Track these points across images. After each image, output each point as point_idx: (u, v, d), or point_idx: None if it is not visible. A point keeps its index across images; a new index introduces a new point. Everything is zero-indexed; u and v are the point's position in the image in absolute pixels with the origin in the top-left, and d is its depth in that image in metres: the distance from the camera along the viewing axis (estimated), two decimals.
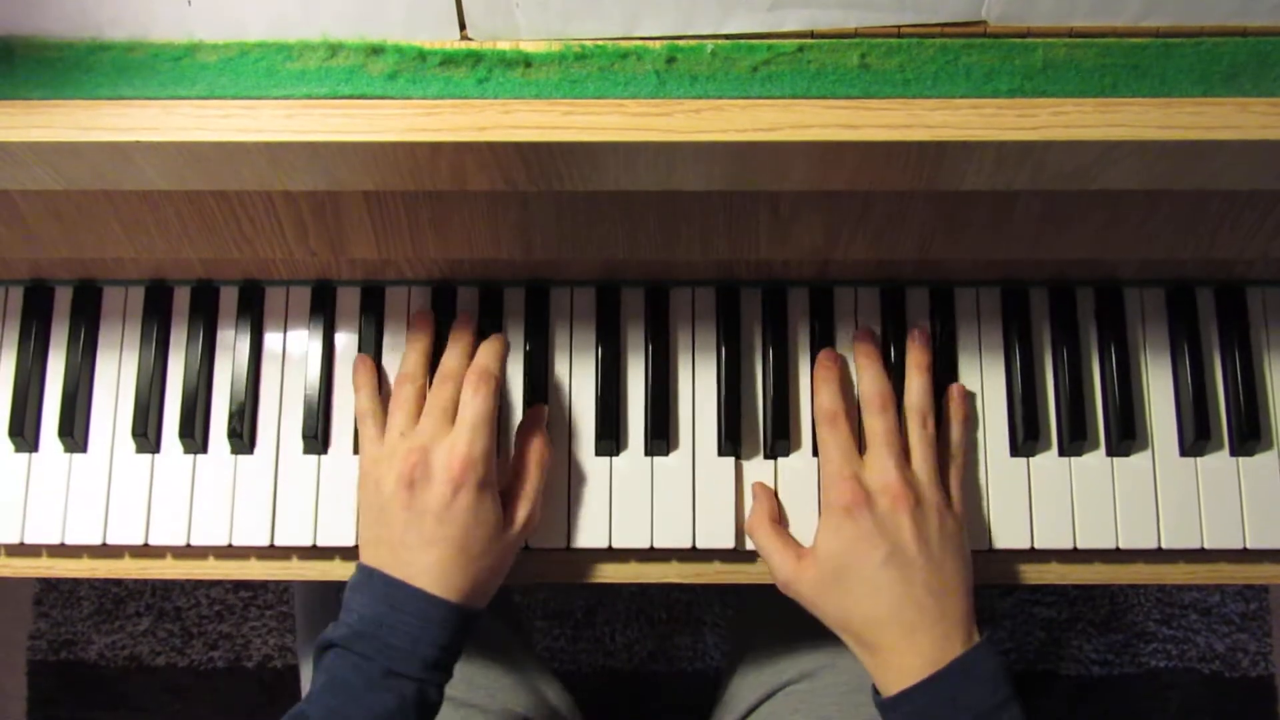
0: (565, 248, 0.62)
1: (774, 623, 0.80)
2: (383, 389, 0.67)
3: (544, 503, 0.66)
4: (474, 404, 0.61)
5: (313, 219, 0.59)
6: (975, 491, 0.66)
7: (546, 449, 0.65)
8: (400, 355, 0.68)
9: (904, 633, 0.58)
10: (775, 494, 0.66)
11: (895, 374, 0.67)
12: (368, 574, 0.60)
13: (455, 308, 0.69)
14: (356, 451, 0.66)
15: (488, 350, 0.64)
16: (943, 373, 0.67)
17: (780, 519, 0.65)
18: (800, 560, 0.62)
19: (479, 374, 0.62)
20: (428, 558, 0.59)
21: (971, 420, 0.67)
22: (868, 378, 0.65)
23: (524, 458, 0.64)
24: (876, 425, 0.63)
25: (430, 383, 0.64)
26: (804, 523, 0.66)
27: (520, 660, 0.81)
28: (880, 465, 0.61)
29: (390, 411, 0.64)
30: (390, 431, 0.63)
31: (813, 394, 0.66)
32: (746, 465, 0.67)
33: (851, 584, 0.59)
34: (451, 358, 0.64)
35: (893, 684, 0.58)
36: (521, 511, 0.63)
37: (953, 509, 0.62)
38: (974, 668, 0.57)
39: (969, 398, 0.67)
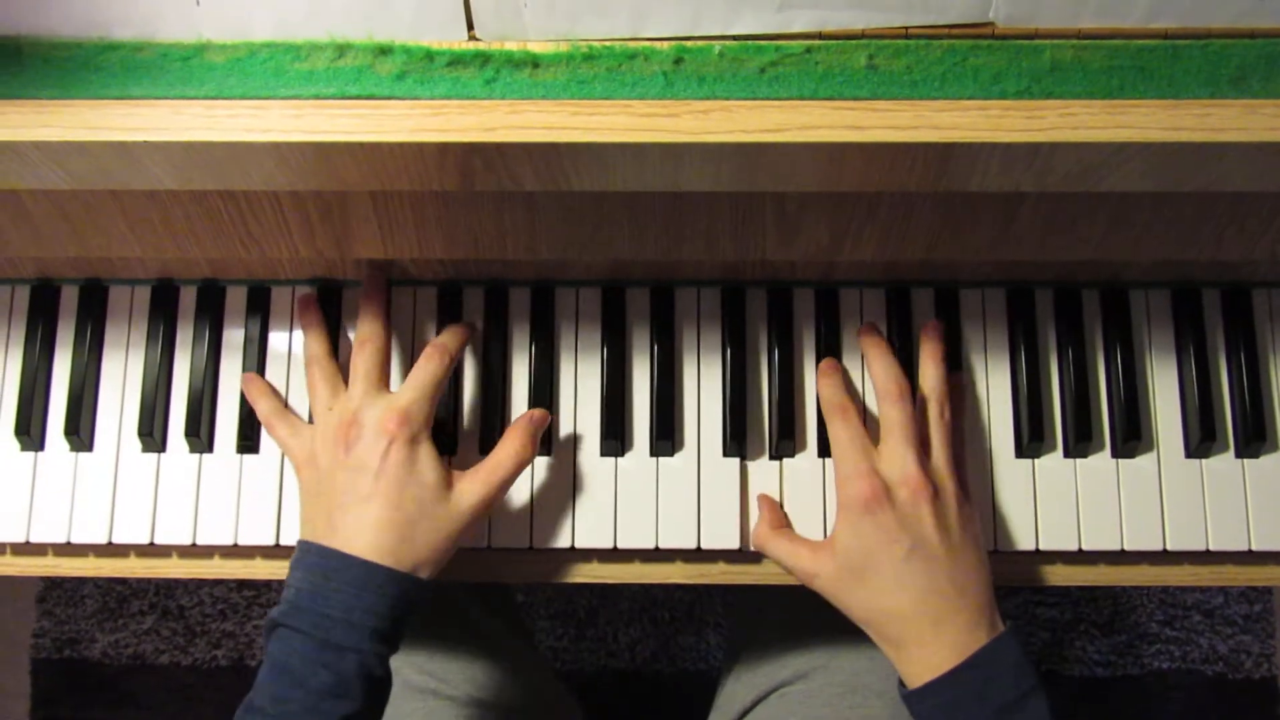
0: (571, 248, 0.62)
1: (769, 623, 0.80)
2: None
3: (548, 503, 0.66)
4: (423, 369, 0.62)
5: (319, 219, 0.60)
6: (980, 493, 0.66)
7: (527, 447, 0.63)
8: (403, 356, 0.68)
9: (929, 624, 0.58)
10: (780, 503, 0.66)
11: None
12: (304, 549, 0.59)
13: (461, 308, 0.69)
14: (292, 461, 0.66)
15: (450, 331, 0.65)
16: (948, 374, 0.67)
17: (784, 524, 0.65)
18: (817, 554, 0.61)
19: (437, 346, 0.63)
20: (364, 519, 0.58)
21: (972, 412, 0.67)
22: (881, 366, 0.63)
23: (501, 444, 0.63)
24: (894, 414, 0.62)
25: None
26: (811, 523, 0.66)
27: (522, 659, 0.81)
28: (899, 457, 0.60)
29: (309, 393, 0.64)
30: (318, 410, 0.63)
31: (817, 392, 0.66)
32: (752, 466, 0.67)
33: (875, 579, 0.59)
34: (365, 323, 0.64)
35: (918, 676, 0.58)
36: (471, 487, 0.61)
37: (968, 499, 0.62)
38: (999, 658, 0.57)
39: (965, 391, 0.67)
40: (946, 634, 0.58)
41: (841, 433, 0.62)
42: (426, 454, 0.60)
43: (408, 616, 0.59)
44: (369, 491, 0.59)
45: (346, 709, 0.56)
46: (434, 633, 0.78)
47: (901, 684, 0.60)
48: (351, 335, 0.69)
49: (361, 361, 0.63)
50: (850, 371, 0.68)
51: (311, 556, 0.59)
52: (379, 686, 0.58)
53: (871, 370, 0.64)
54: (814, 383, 0.68)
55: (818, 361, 0.67)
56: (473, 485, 0.61)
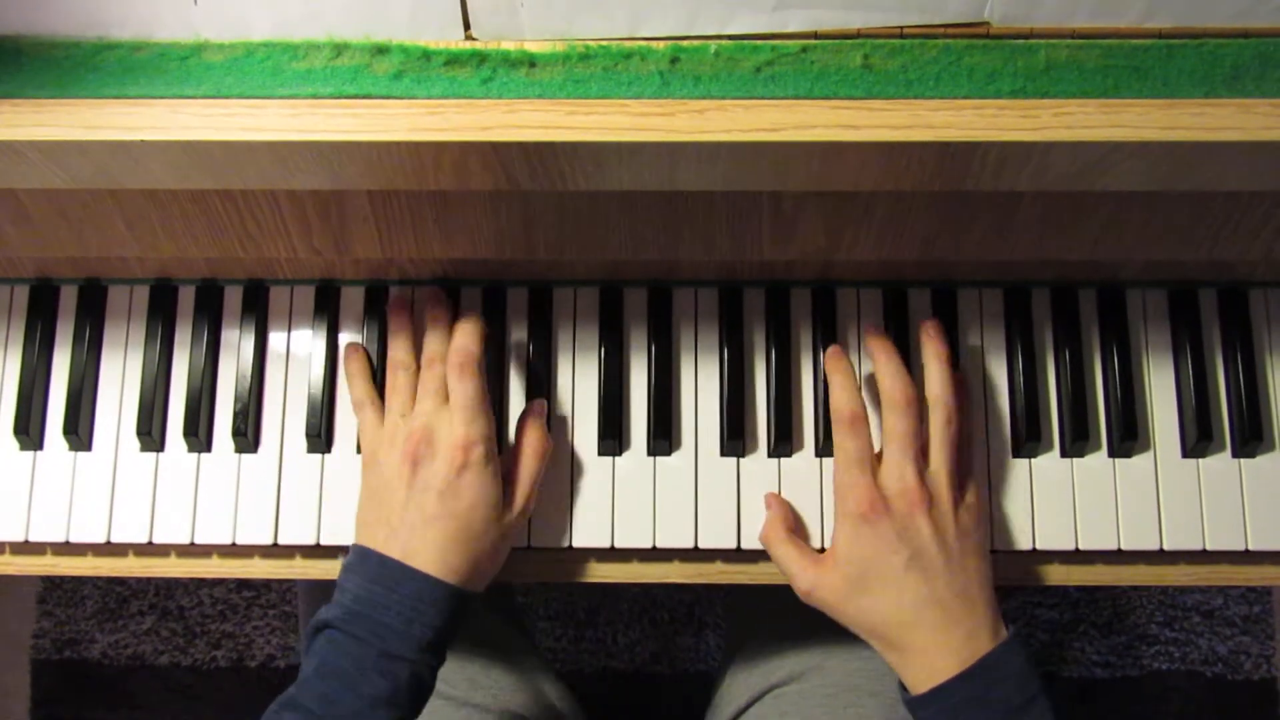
0: (568, 247, 0.62)
1: (765, 624, 0.80)
2: (377, 381, 0.67)
3: (546, 502, 0.66)
4: (461, 387, 0.62)
5: (317, 218, 0.60)
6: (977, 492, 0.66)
7: (544, 439, 0.65)
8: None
9: (931, 632, 0.58)
10: (790, 506, 0.66)
11: None
12: (363, 554, 0.60)
13: (459, 307, 0.69)
14: (360, 450, 0.67)
15: (464, 331, 0.64)
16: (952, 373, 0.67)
17: (797, 528, 0.65)
18: (819, 567, 0.61)
19: (460, 355, 0.63)
20: (428, 535, 0.59)
21: (969, 411, 0.66)
22: (889, 373, 0.62)
23: (521, 446, 0.65)
24: (899, 426, 0.61)
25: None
26: (809, 522, 0.66)
27: (523, 660, 0.81)
28: (898, 467, 0.60)
29: (388, 396, 0.65)
30: (390, 415, 0.64)
31: (827, 390, 0.65)
32: (749, 465, 0.67)
33: (874, 590, 0.59)
34: (432, 341, 0.65)
35: (922, 682, 0.58)
36: (519, 496, 0.63)
37: (969, 504, 0.62)
38: (1003, 664, 0.57)
39: (970, 388, 0.67)
40: (949, 641, 0.58)
41: (849, 443, 0.61)
42: (492, 473, 0.61)
43: (459, 628, 0.61)
44: (436, 512, 0.60)
45: (394, 715, 0.57)
46: None
47: (904, 688, 0.60)
48: (344, 336, 0.69)
49: (431, 379, 0.63)
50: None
51: (371, 565, 0.59)
52: (424, 695, 0.59)
53: (879, 375, 0.63)
54: (811, 382, 0.68)
55: (815, 361, 0.67)
56: (520, 494, 0.63)
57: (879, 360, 0.63)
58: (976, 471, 0.66)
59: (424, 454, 0.61)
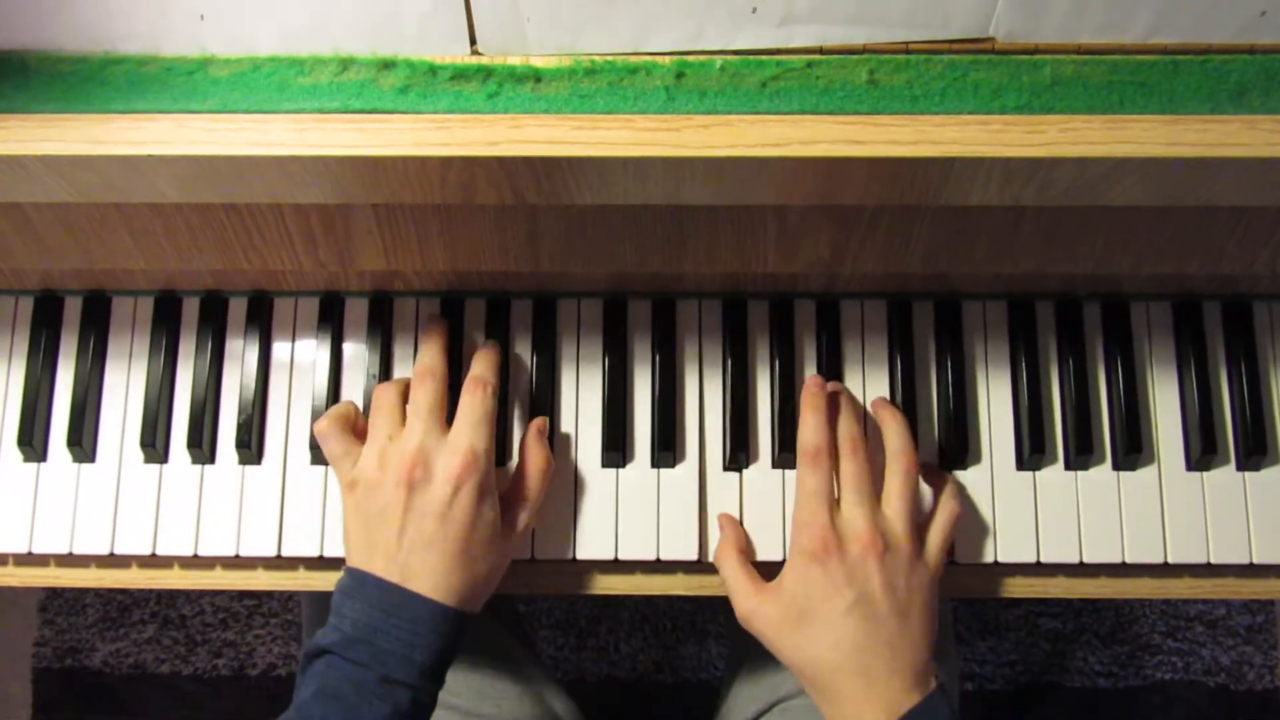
0: (573, 260, 0.62)
1: None
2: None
3: (550, 514, 0.66)
4: (473, 405, 0.62)
5: (322, 231, 0.60)
6: (981, 505, 0.66)
7: (547, 458, 0.65)
8: (408, 367, 0.68)
9: (862, 683, 0.58)
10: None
11: (900, 385, 0.67)
12: (359, 579, 0.59)
13: (463, 318, 0.69)
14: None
15: (482, 359, 0.65)
16: (950, 385, 0.67)
17: (748, 551, 0.65)
18: (761, 595, 0.61)
19: (476, 380, 0.63)
20: (427, 560, 0.59)
21: (973, 424, 0.66)
22: (844, 419, 0.64)
23: (525, 466, 0.64)
24: (849, 469, 0.62)
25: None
26: None
27: (526, 670, 0.81)
28: (852, 511, 0.60)
29: (372, 417, 0.63)
30: (376, 436, 0.62)
31: (798, 421, 0.65)
32: (753, 477, 0.67)
33: (813, 628, 0.59)
34: (427, 355, 0.64)
35: None
36: (521, 517, 0.63)
37: (926, 560, 0.61)
38: (929, 718, 0.57)
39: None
40: (879, 694, 0.57)
41: (809, 478, 0.61)
42: (491, 497, 0.61)
43: (457, 650, 0.60)
44: (434, 536, 0.59)
45: None
46: None
47: None
48: (348, 347, 0.69)
49: (423, 396, 0.62)
50: (850, 384, 0.68)
51: (370, 589, 0.59)
52: (426, 715, 0.59)
53: (833, 422, 0.64)
54: None
55: (819, 372, 0.68)
56: (523, 515, 0.63)
57: (833, 409, 0.64)
58: (974, 484, 0.66)
59: (420, 478, 0.60)
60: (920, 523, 0.62)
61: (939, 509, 0.64)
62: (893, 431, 0.64)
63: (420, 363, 0.64)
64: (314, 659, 0.58)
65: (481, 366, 0.64)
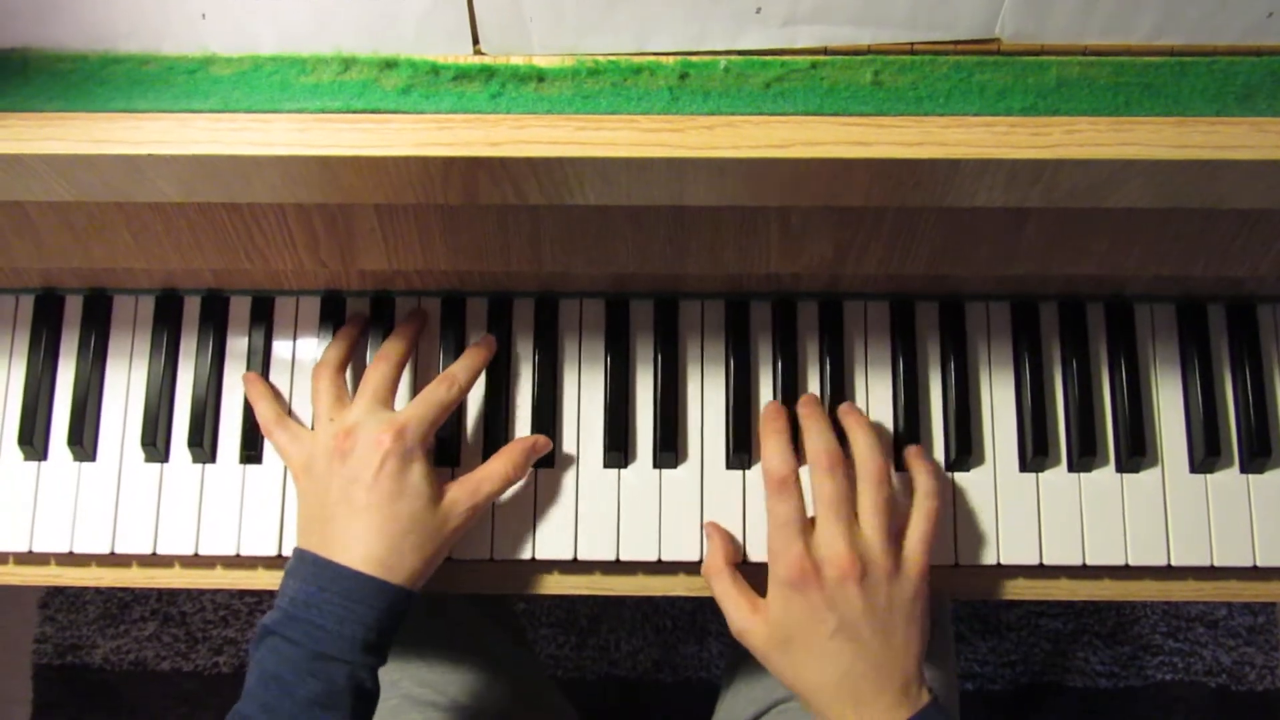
0: (575, 260, 0.62)
1: None
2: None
3: (551, 514, 0.66)
4: (429, 394, 0.62)
5: (324, 231, 0.60)
6: (983, 506, 0.66)
7: (519, 468, 0.64)
8: (410, 367, 0.68)
9: (851, 704, 0.58)
10: (731, 536, 0.65)
11: (903, 387, 0.67)
12: (300, 556, 0.60)
13: (465, 318, 0.69)
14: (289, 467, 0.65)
15: (463, 359, 0.65)
16: (954, 387, 0.67)
17: (739, 559, 0.65)
18: (755, 615, 0.61)
19: (446, 375, 0.63)
20: (355, 529, 0.59)
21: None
22: (813, 435, 0.62)
23: (494, 460, 0.63)
24: (825, 489, 0.60)
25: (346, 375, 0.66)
26: None
27: (522, 669, 0.81)
28: (828, 534, 0.59)
29: (314, 400, 0.65)
30: (319, 419, 0.63)
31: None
32: (755, 478, 0.67)
33: (799, 653, 0.59)
34: (390, 341, 0.65)
35: None
36: (458, 497, 0.61)
37: (907, 572, 0.60)
38: None
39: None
40: (868, 713, 0.57)
41: (779, 508, 0.60)
42: (419, 468, 0.61)
43: (395, 628, 0.60)
44: (363, 503, 0.59)
45: (335, 718, 0.56)
46: (432, 644, 0.78)
47: None
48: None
49: (372, 376, 0.63)
50: (853, 386, 0.68)
51: (306, 566, 0.59)
52: (367, 699, 0.58)
53: (806, 438, 0.63)
54: (817, 392, 0.67)
55: (822, 374, 0.67)
56: (460, 496, 0.62)
57: (805, 424, 0.64)
58: (977, 485, 0.66)
59: (349, 448, 0.60)
60: (900, 526, 0.61)
61: (915, 511, 0.62)
62: (860, 440, 0.62)
63: (381, 348, 0.65)
64: (260, 642, 0.58)
65: (459, 365, 0.64)
